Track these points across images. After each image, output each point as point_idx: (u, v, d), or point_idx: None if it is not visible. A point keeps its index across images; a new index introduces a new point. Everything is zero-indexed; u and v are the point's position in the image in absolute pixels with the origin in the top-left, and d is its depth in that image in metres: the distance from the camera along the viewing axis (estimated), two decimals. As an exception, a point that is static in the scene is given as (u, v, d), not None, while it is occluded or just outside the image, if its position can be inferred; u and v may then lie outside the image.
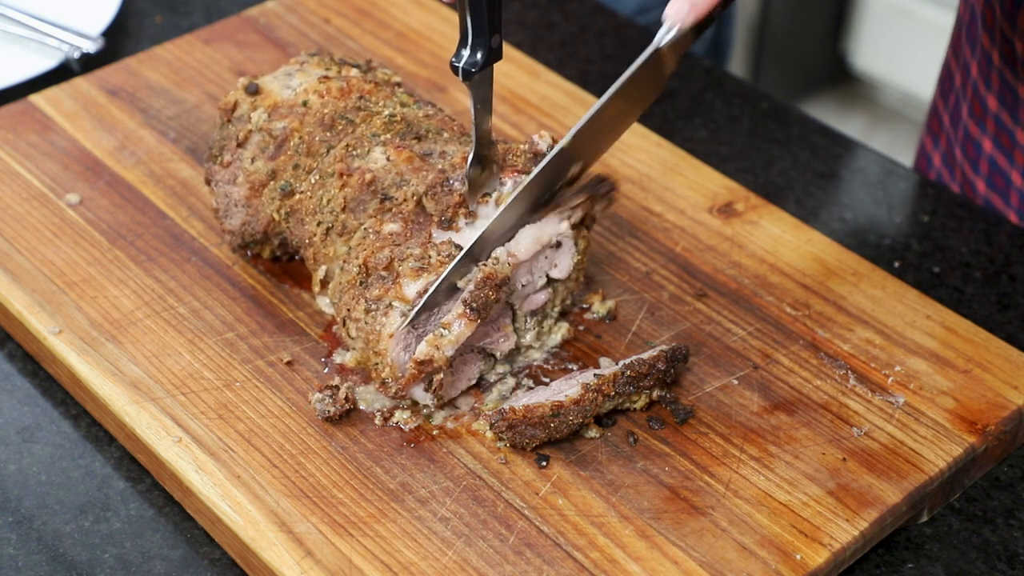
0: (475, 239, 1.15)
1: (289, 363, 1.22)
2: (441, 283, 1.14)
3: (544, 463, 1.14)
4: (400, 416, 1.17)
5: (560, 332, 1.26)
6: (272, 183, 1.27)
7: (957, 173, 1.62)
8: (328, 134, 1.25)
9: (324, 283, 1.24)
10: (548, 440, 1.14)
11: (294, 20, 1.63)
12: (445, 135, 1.25)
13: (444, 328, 1.14)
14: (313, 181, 1.25)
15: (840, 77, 3.59)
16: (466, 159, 1.18)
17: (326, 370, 1.22)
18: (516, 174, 1.19)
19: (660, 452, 1.15)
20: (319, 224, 1.23)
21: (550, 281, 1.24)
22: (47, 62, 1.59)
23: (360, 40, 1.60)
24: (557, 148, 1.15)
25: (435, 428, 1.17)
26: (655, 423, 1.17)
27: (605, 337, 1.26)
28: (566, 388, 1.17)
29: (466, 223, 1.17)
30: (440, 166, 1.20)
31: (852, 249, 1.37)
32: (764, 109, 1.60)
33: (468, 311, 1.14)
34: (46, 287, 1.28)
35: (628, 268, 1.33)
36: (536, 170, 1.16)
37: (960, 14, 1.64)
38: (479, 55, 1.11)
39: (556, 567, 1.06)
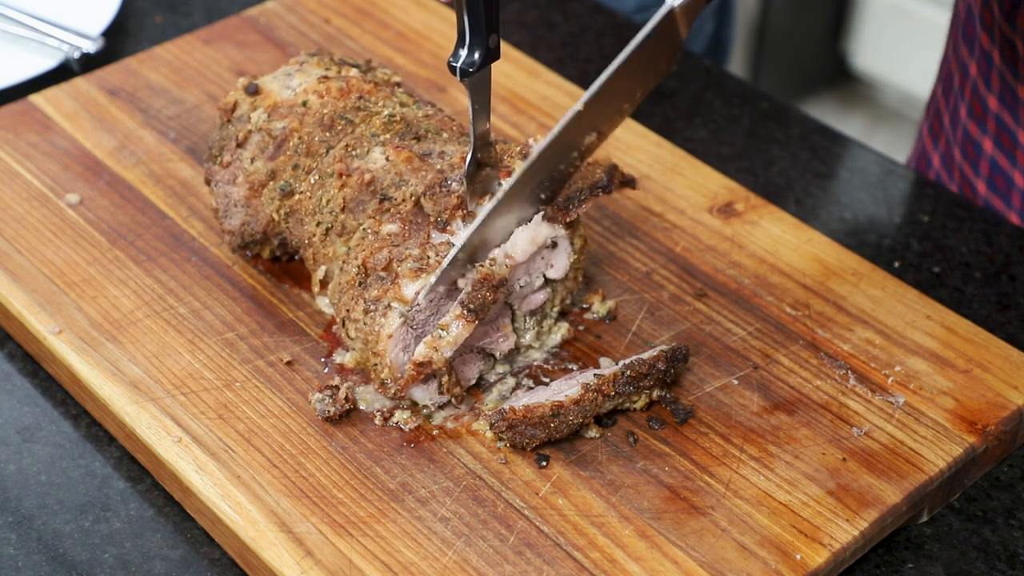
0: (471, 233, 1.14)
1: (289, 363, 1.22)
2: (439, 281, 1.14)
3: (544, 463, 1.14)
4: (400, 416, 1.17)
5: (560, 332, 1.26)
6: (272, 183, 1.27)
7: (956, 174, 1.62)
8: (327, 134, 1.25)
9: (324, 283, 1.24)
10: (548, 440, 1.14)
11: (294, 20, 1.63)
12: (444, 135, 1.25)
13: (442, 329, 1.14)
14: (312, 181, 1.25)
15: (840, 77, 3.59)
16: (465, 159, 1.18)
17: (326, 370, 1.22)
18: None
19: (660, 452, 1.15)
20: (318, 224, 1.23)
21: (548, 281, 1.24)
22: (47, 62, 1.59)
23: (360, 40, 1.60)
24: (572, 111, 1.14)
25: (435, 428, 1.17)
26: (655, 423, 1.17)
27: (605, 337, 1.26)
28: (566, 388, 1.17)
29: (463, 224, 1.17)
30: (439, 166, 1.20)
31: (852, 249, 1.37)
32: (764, 109, 1.60)
33: (466, 312, 1.14)
34: (46, 287, 1.28)
35: (628, 268, 1.33)
36: (528, 162, 1.15)
37: (956, 13, 1.63)
38: (477, 55, 1.11)
39: (556, 567, 1.06)
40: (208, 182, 1.30)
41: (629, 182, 1.24)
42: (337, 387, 1.18)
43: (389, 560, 1.06)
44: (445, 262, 1.14)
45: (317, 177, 1.24)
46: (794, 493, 1.12)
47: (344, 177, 1.22)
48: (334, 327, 1.25)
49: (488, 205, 1.16)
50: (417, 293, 1.14)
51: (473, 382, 1.21)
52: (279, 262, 1.32)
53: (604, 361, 1.22)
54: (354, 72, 1.32)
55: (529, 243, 1.18)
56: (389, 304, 1.15)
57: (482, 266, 1.15)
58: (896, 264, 1.41)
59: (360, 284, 1.17)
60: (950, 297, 1.37)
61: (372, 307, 1.15)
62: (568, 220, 1.20)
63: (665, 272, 1.32)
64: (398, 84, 1.34)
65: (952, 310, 1.30)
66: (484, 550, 1.07)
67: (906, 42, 3.34)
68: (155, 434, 1.15)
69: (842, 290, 1.30)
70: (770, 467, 1.14)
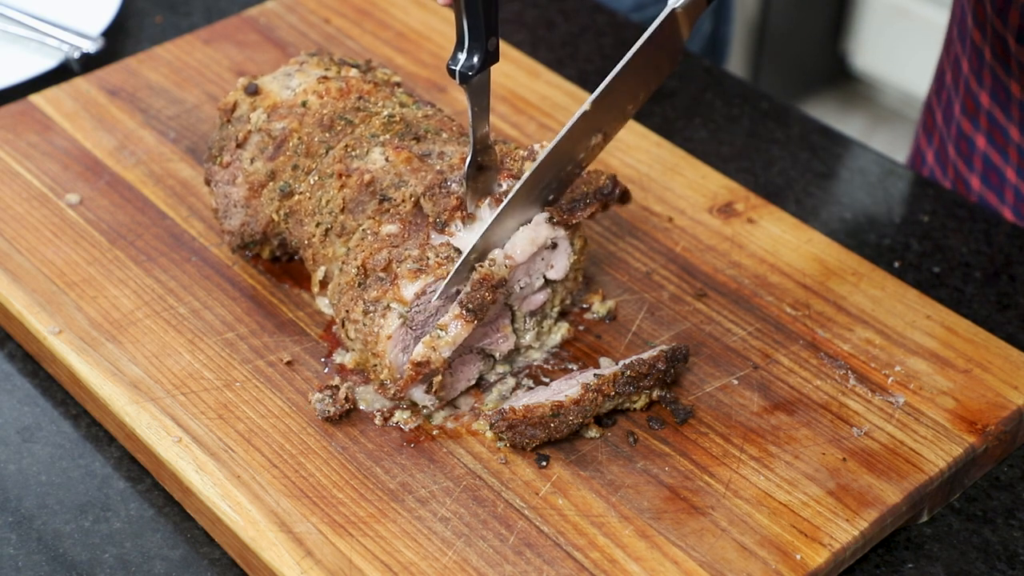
0: (474, 242, 1.15)
1: (289, 363, 1.22)
2: (450, 283, 1.14)
3: (544, 463, 1.14)
4: (400, 416, 1.17)
5: (560, 332, 1.26)
6: (271, 184, 1.27)
7: (950, 170, 1.62)
8: (327, 135, 1.25)
9: (323, 284, 1.24)
10: (548, 440, 1.14)
11: (294, 20, 1.63)
12: (444, 135, 1.25)
13: (441, 330, 1.14)
14: (312, 182, 1.25)
15: (840, 77, 3.59)
16: (465, 160, 1.17)
17: (326, 370, 1.22)
18: (514, 178, 1.19)
19: (660, 452, 1.15)
20: (318, 225, 1.23)
21: (548, 282, 1.24)
22: (47, 62, 1.59)
23: (360, 40, 1.60)
24: (579, 113, 1.15)
25: (435, 428, 1.17)
26: (655, 423, 1.17)
27: (605, 337, 1.26)
28: (566, 388, 1.17)
29: (462, 226, 1.17)
30: (438, 167, 1.20)
31: (852, 249, 1.37)
32: (764, 109, 1.60)
33: (464, 312, 1.14)
34: (46, 287, 1.28)
35: (628, 268, 1.33)
36: (536, 163, 1.16)
37: (953, 11, 1.64)
38: (476, 58, 1.11)
39: (556, 567, 1.06)
40: (208, 182, 1.30)
41: (625, 196, 1.24)
42: (337, 387, 1.18)
43: (389, 560, 1.06)
44: (457, 264, 1.14)
45: (317, 178, 1.24)
46: (794, 493, 1.12)
47: (344, 178, 1.22)
48: (334, 327, 1.25)
49: (499, 207, 1.16)
50: (417, 294, 1.14)
51: (473, 382, 1.21)
52: (279, 262, 1.32)
53: (604, 361, 1.22)
54: (354, 72, 1.32)
55: (529, 244, 1.18)
56: (388, 305, 1.15)
57: (481, 266, 1.15)
58: (896, 264, 1.41)
59: (359, 285, 1.17)
60: (950, 297, 1.37)
61: (371, 308, 1.15)
62: (572, 223, 1.20)
63: (665, 272, 1.32)
64: (398, 84, 1.34)
65: (952, 310, 1.30)
66: (484, 550, 1.07)
67: (906, 42, 3.34)
68: (155, 434, 1.15)
69: (842, 290, 1.30)
70: (770, 467, 1.14)
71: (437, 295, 1.14)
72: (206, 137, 1.45)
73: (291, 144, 1.26)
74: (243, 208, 1.28)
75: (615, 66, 1.14)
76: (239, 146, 1.28)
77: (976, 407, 1.19)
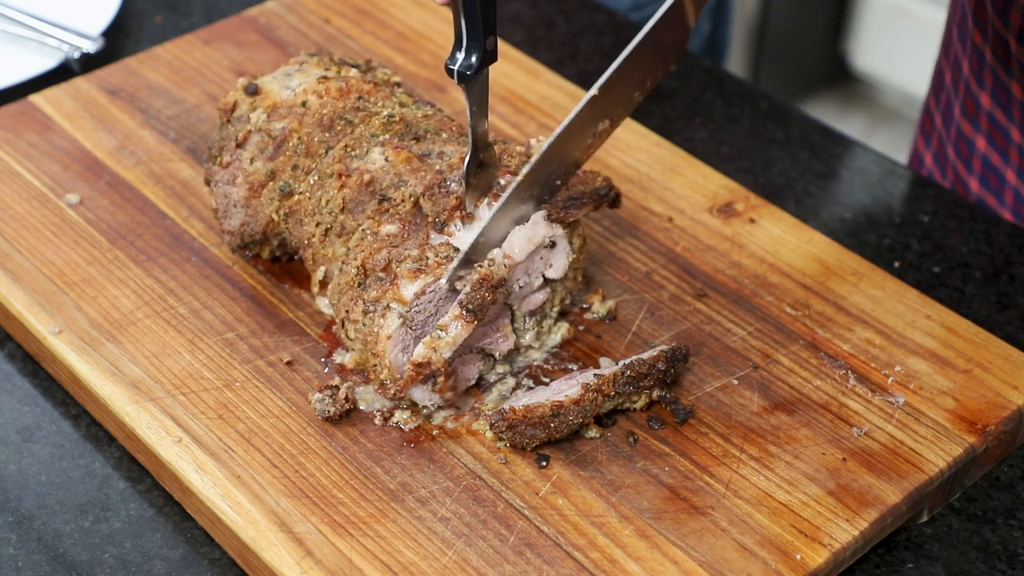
0: (472, 240, 1.15)
1: (289, 363, 1.22)
2: (463, 260, 1.14)
3: (544, 463, 1.14)
4: (400, 416, 1.17)
5: (560, 332, 1.26)
6: (271, 184, 1.27)
7: (949, 172, 1.62)
8: (327, 135, 1.25)
9: (323, 284, 1.24)
10: (548, 440, 1.14)
11: (294, 20, 1.63)
12: (444, 135, 1.25)
13: (441, 330, 1.14)
14: (312, 182, 1.25)
15: (840, 77, 3.59)
16: (464, 160, 1.17)
17: (326, 370, 1.22)
18: (513, 176, 1.19)
19: (660, 452, 1.15)
20: (318, 225, 1.23)
21: (547, 281, 1.24)
22: (47, 62, 1.59)
23: (360, 40, 1.60)
24: (588, 96, 1.14)
25: (435, 428, 1.17)
26: (655, 423, 1.17)
27: (605, 337, 1.26)
28: (566, 388, 1.17)
29: (462, 226, 1.17)
30: (438, 167, 1.20)
31: (852, 249, 1.37)
32: (764, 109, 1.60)
33: (464, 312, 1.14)
34: (46, 287, 1.28)
35: (628, 268, 1.33)
36: (534, 159, 1.16)
37: (951, 12, 1.64)
38: (474, 58, 1.11)
39: (556, 567, 1.06)
40: (208, 182, 1.30)
41: (616, 200, 1.25)
42: (337, 387, 1.18)
43: (389, 560, 1.06)
44: (457, 261, 1.14)
45: (316, 178, 1.24)
46: (794, 493, 1.12)
47: (343, 177, 1.22)
48: (334, 327, 1.25)
49: (509, 187, 1.15)
50: (416, 294, 1.14)
51: (473, 382, 1.21)
52: (279, 262, 1.32)
53: (604, 361, 1.22)
54: (354, 72, 1.32)
55: (527, 242, 1.18)
56: (388, 305, 1.15)
57: (480, 266, 1.15)
58: (896, 264, 1.41)
59: (359, 285, 1.17)
60: (950, 297, 1.37)
61: (371, 308, 1.15)
62: (567, 220, 1.20)
63: (665, 272, 1.32)
64: (398, 84, 1.34)
65: (952, 310, 1.30)
66: (484, 550, 1.07)
67: (906, 42, 3.34)
68: (155, 434, 1.15)
69: (842, 290, 1.30)
70: (770, 467, 1.14)
71: (445, 282, 1.14)
72: (206, 137, 1.45)
73: (291, 144, 1.26)
74: (243, 208, 1.28)
75: (619, 58, 1.14)
76: (239, 146, 1.28)
77: (976, 407, 1.19)
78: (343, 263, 1.20)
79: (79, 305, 1.26)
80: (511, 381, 1.22)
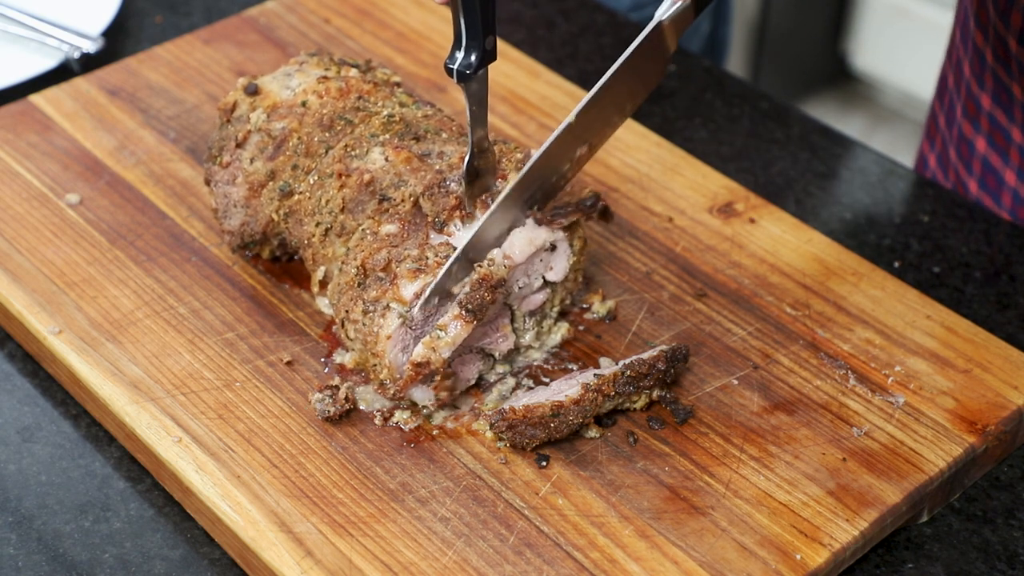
0: (468, 239, 1.15)
1: (289, 363, 1.22)
2: (438, 286, 1.14)
3: (544, 463, 1.14)
4: (400, 416, 1.17)
5: (560, 332, 1.26)
6: (271, 184, 1.27)
7: (951, 174, 1.62)
8: (327, 134, 1.25)
9: (323, 284, 1.24)
10: (548, 440, 1.14)
11: (294, 20, 1.63)
12: (444, 135, 1.25)
13: (440, 330, 1.14)
14: (312, 182, 1.25)
15: (840, 77, 3.59)
16: (464, 160, 1.17)
17: (326, 370, 1.22)
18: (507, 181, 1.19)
19: (660, 452, 1.15)
20: (318, 225, 1.23)
21: (547, 283, 1.24)
22: (47, 62, 1.59)
23: (360, 40, 1.61)
24: (564, 125, 1.15)
25: (435, 428, 1.17)
26: (655, 423, 1.17)
27: (605, 337, 1.26)
28: (566, 388, 1.17)
29: (461, 225, 1.17)
30: (438, 167, 1.20)
31: (852, 249, 1.37)
32: (764, 109, 1.60)
33: (464, 313, 1.14)
34: (46, 287, 1.28)
35: (628, 268, 1.33)
36: (520, 173, 1.16)
37: (957, 14, 1.64)
38: (473, 57, 1.11)
39: (556, 567, 1.06)
40: (208, 182, 1.30)
41: (606, 213, 1.25)
42: (337, 387, 1.18)
43: (389, 560, 1.06)
44: (445, 267, 1.14)
45: (316, 177, 1.24)
46: (794, 493, 1.12)
47: (343, 177, 1.22)
48: (334, 327, 1.25)
49: (481, 217, 1.16)
50: (416, 294, 1.14)
51: (473, 382, 1.21)
52: (279, 262, 1.32)
53: (604, 361, 1.22)
54: (354, 72, 1.32)
55: (527, 244, 1.18)
56: (388, 305, 1.15)
57: (480, 266, 1.15)
58: (896, 264, 1.41)
59: (359, 285, 1.17)
60: (950, 297, 1.37)
61: (371, 308, 1.15)
62: (554, 228, 1.20)
63: (665, 272, 1.32)
64: (398, 84, 1.34)
65: (952, 310, 1.30)
66: (484, 550, 1.07)
67: (906, 42, 3.34)
68: (155, 434, 1.15)
69: (842, 290, 1.30)
70: (770, 467, 1.14)
71: (428, 293, 1.13)
72: (206, 137, 1.45)
73: (291, 144, 1.26)
74: (243, 208, 1.28)
75: (608, 72, 1.15)
76: (239, 146, 1.28)
77: (976, 407, 1.19)
78: (343, 263, 1.20)
79: (79, 305, 1.26)
80: (511, 381, 1.22)
